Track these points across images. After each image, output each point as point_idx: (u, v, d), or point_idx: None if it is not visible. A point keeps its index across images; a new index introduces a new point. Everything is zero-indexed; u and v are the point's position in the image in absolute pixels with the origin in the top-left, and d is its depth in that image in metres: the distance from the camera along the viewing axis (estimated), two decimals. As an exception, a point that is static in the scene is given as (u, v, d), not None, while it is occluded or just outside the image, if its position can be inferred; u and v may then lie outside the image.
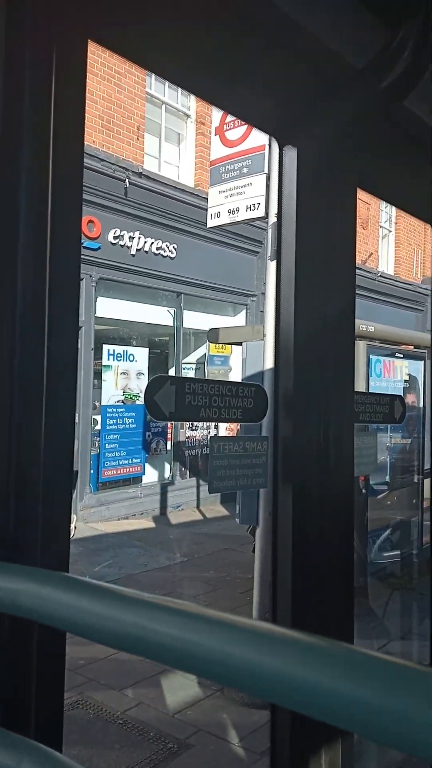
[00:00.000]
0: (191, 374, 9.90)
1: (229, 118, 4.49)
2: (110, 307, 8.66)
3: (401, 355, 6.54)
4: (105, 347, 8.42)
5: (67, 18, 0.89)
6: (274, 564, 1.23)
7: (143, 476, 9.13)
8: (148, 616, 0.49)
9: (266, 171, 4.22)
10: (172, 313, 9.71)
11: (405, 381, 6.65)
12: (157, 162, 9.48)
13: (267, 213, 4.23)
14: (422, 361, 6.58)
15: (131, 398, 8.77)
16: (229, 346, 9.37)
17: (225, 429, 9.93)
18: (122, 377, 8.65)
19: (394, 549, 6.01)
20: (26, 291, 0.83)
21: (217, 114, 4.74)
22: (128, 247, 8.56)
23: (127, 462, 8.75)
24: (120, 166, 8.36)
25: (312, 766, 1.24)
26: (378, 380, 6.03)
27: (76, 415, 8.10)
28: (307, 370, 1.24)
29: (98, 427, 8.43)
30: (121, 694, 4.05)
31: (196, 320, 9.89)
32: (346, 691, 0.37)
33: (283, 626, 0.44)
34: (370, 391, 5.33)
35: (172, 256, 9.22)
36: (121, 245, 8.47)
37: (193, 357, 10.31)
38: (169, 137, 9.89)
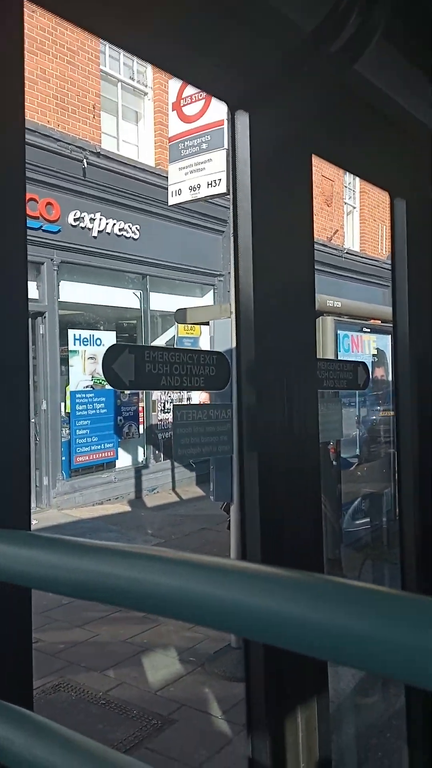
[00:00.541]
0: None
1: (186, 92, 4.41)
2: (74, 291, 8.52)
3: (369, 330, 6.60)
4: (71, 332, 8.30)
5: None
6: (243, 533, 1.23)
7: (116, 461, 9.08)
8: (112, 562, 0.49)
9: (226, 146, 4.16)
10: (139, 295, 9.61)
11: (373, 355, 6.72)
12: (115, 141, 9.30)
13: (228, 189, 4.18)
14: (389, 335, 6.64)
15: (100, 383, 8.68)
16: (198, 327, 9.33)
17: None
18: (90, 362, 8.55)
19: (365, 517, 6.12)
20: None
21: (173, 89, 4.64)
22: (89, 229, 8.41)
23: (99, 447, 8.69)
24: (77, 146, 8.17)
25: (288, 726, 1.24)
26: (346, 355, 6.08)
27: (44, 401, 7.99)
28: (268, 338, 1.23)
29: (68, 412, 8.33)
30: (102, 676, 4.05)
31: (163, 302, 9.81)
32: (316, 617, 0.37)
33: None
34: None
35: (135, 237, 9.09)
36: (82, 227, 8.31)
37: (162, 339, 10.24)
38: (126, 115, 9.70)
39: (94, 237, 8.48)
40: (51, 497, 8.04)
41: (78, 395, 8.40)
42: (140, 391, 9.49)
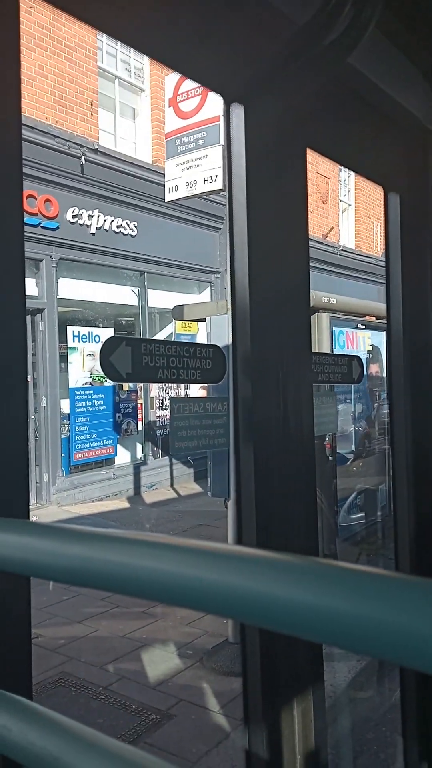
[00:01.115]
0: (158, 354, 9.79)
1: (183, 88, 4.38)
2: (73, 288, 8.49)
3: (363, 327, 6.59)
4: (69, 329, 8.27)
5: None
6: (239, 526, 1.23)
7: (115, 457, 9.07)
8: (111, 549, 0.48)
9: (222, 142, 4.13)
10: (136, 292, 9.58)
11: (368, 352, 6.71)
12: (112, 138, 9.25)
13: (225, 185, 4.16)
14: (384, 332, 6.64)
15: (99, 380, 8.66)
16: (196, 324, 9.31)
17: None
18: (89, 359, 8.53)
19: (361, 511, 6.15)
20: None
21: (170, 85, 4.61)
22: (87, 225, 8.37)
23: (98, 444, 8.67)
24: (75, 143, 8.13)
25: (284, 717, 1.24)
26: (342, 351, 6.08)
27: (44, 398, 7.97)
28: (263, 331, 1.23)
29: (67, 410, 8.31)
30: (102, 671, 4.05)
31: (160, 299, 9.78)
32: (311, 600, 0.36)
33: None
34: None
35: (133, 234, 9.06)
36: (80, 224, 8.28)
37: (160, 336, 10.21)
38: (124, 112, 9.65)
39: (92, 234, 8.44)
40: (51, 494, 8.02)
41: (77, 392, 8.38)
42: (139, 388, 9.48)
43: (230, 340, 4.15)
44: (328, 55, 1.15)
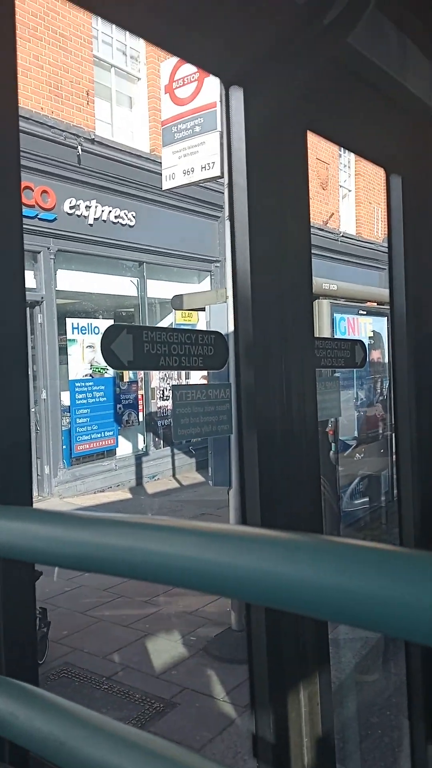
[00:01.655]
0: (159, 344, 9.77)
1: (179, 75, 4.33)
2: (71, 280, 8.45)
3: (365, 312, 6.56)
4: (69, 321, 8.25)
5: None
6: (243, 512, 1.23)
7: (117, 449, 9.08)
8: (115, 533, 0.48)
9: (219, 129, 4.08)
10: (136, 283, 9.54)
11: (369, 338, 6.68)
12: (109, 128, 9.17)
13: (222, 172, 4.12)
14: (386, 318, 6.62)
15: (99, 371, 8.65)
16: (196, 313, 9.28)
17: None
18: (89, 350, 8.51)
19: (363, 497, 6.15)
20: None
21: (165, 71, 4.55)
22: (85, 216, 8.32)
23: (99, 435, 8.68)
24: (71, 133, 8.06)
25: (291, 701, 1.25)
26: (343, 338, 6.04)
27: (44, 391, 7.96)
28: (265, 317, 1.22)
29: (67, 402, 8.31)
30: (105, 661, 4.07)
31: (160, 289, 9.74)
32: (315, 577, 0.36)
33: None
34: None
35: (132, 224, 9.01)
36: (77, 215, 8.23)
37: (164, 324, 10.19)
38: (120, 101, 9.56)
39: (90, 225, 8.39)
40: (53, 486, 8.04)
41: (77, 384, 8.37)
42: (139, 379, 9.47)
43: (230, 329, 4.13)
44: (327, 36, 1.14)
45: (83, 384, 8.45)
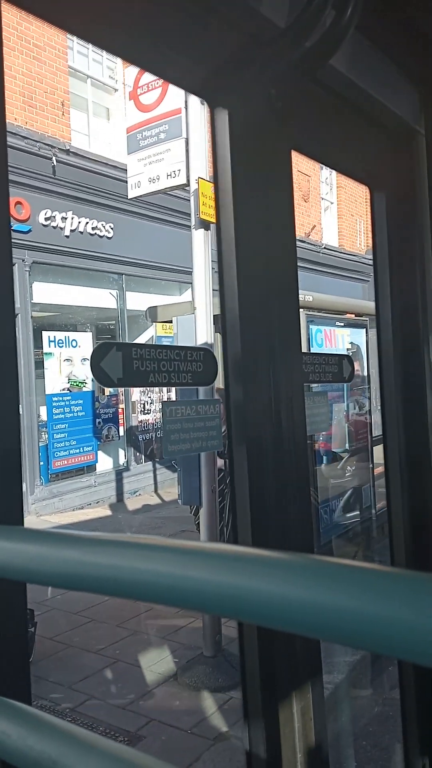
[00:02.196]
0: (140, 357, 9.59)
1: (143, 80, 4.20)
2: (48, 292, 8.27)
3: (342, 324, 6.42)
4: (45, 334, 8.05)
5: None
6: (234, 527, 1.24)
7: (97, 464, 8.85)
8: (104, 552, 0.48)
9: (185, 135, 3.95)
10: (115, 295, 9.38)
11: (348, 350, 6.55)
12: (86, 138, 9.05)
13: (188, 180, 3.98)
14: (364, 329, 6.48)
15: (77, 385, 8.45)
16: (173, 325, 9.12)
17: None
18: (66, 364, 8.31)
19: (354, 510, 6.17)
20: None
21: (130, 77, 4.43)
22: (61, 228, 8.17)
23: (78, 451, 8.45)
24: (45, 144, 7.93)
25: (283, 716, 1.24)
26: (320, 350, 5.95)
27: (20, 406, 7.75)
28: (253, 333, 1.23)
29: (44, 417, 8.09)
30: (70, 690, 3.84)
31: (140, 301, 9.57)
32: (307, 596, 0.36)
33: None
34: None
35: (109, 235, 8.86)
36: (53, 227, 8.07)
37: (141, 340, 10.02)
38: (97, 112, 9.46)
39: (67, 236, 8.24)
40: (29, 503, 7.80)
41: (54, 398, 8.16)
42: (120, 393, 9.27)
43: (198, 340, 3.99)
44: (309, 58, 1.17)
45: (61, 398, 8.24)
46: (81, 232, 8.45)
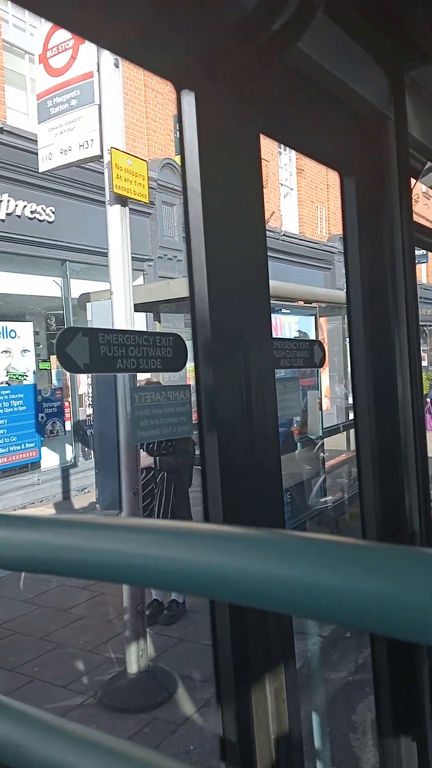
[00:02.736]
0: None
1: (53, 42, 3.79)
2: (-18, 280, 7.79)
3: (288, 312, 6.13)
4: (-21, 325, 7.58)
5: None
6: (206, 514, 1.24)
7: (41, 461, 8.43)
8: (63, 533, 0.48)
9: (97, 101, 3.57)
10: (60, 283, 8.92)
11: (295, 338, 6.27)
12: (24, 117, 8.53)
13: (102, 151, 3.60)
14: (312, 317, 6.20)
15: (17, 378, 8.00)
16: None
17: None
18: (4, 356, 7.85)
19: (327, 495, 6.38)
20: None
21: (39, 38, 4.02)
22: (-5, 211, 7.67)
23: (19, 448, 8.02)
24: (-24, 121, 7.41)
25: (256, 698, 1.24)
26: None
27: None
28: (223, 318, 1.23)
29: (-20, 412, 7.63)
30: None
31: (87, 289, 9.12)
32: (279, 572, 0.37)
33: None
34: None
35: (50, 219, 8.39)
36: (-14, 210, 7.57)
37: (91, 330, 9.57)
38: (36, 90, 8.93)
39: (2, 220, 7.75)
40: (-35, 504, 7.36)
41: (-8, 392, 7.71)
42: (65, 386, 8.86)
43: (115, 326, 3.65)
44: (277, 41, 1.17)
45: (-1, 392, 7.78)
46: (18, 216, 7.97)
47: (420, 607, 0.31)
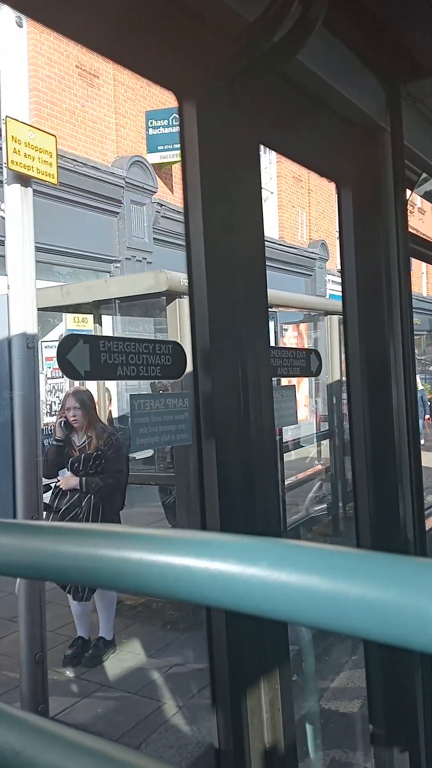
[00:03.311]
0: (52, 353, 8.67)
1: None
2: None
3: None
4: None
5: None
6: (203, 521, 1.26)
7: (-7, 473, 7.88)
8: (59, 540, 0.49)
9: None
10: (20, 283, 8.39)
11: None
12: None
13: (3, 117, 3.11)
14: (272, 321, 5.83)
15: (-32, 384, 7.45)
16: (88, 316, 8.25)
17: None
18: None
19: (322, 502, 6.48)
20: None
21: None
22: None
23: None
24: None
25: (251, 705, 1.26)
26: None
27: None
28: (221, 326, 1.27)
29: None
30: None
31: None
32: (275, 579, 0.38)
33: None
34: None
35: (4, 215, 7.86)
36: None
37: (55, 333, 9.11)
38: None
39: None
40: None
41: None
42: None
43: (12, 330, 3.13)
44: (276, 53, 1.21)
45: None
46: (-25, 210, 7.43)
47: (413, 614, 0.32)
